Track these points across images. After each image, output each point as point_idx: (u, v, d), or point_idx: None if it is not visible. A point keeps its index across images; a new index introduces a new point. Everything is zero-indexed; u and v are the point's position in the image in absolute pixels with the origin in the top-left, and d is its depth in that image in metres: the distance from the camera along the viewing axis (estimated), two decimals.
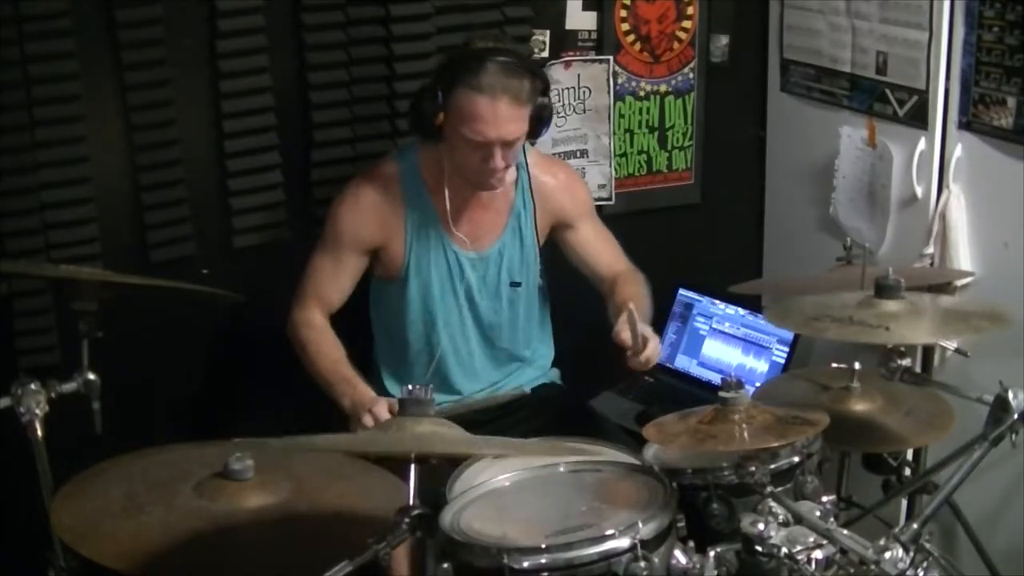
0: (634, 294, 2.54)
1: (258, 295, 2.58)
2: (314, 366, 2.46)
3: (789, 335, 2.90)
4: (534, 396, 2.70)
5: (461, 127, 2.34)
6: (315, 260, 2.54)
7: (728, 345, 3.04)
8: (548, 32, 2.99)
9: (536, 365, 2.77)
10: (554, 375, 2.81)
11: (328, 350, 2.48)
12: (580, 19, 3.02)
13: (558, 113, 3.05)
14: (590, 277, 2.70)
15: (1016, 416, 1.92)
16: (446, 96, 2.34)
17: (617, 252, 2.72)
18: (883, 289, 2.07)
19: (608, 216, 3.14)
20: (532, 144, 2.60)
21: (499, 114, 2.31)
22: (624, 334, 2.35)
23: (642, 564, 1.74)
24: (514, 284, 2.62)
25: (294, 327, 2.53)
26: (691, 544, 1.87)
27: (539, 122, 2.42)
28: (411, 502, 1.71)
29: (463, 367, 2.64)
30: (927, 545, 1.86)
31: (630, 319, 2.34)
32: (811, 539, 1.81)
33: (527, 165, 2.58)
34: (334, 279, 2.53)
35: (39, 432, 1.96)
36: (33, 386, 1.96)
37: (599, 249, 2.71)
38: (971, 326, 2.10)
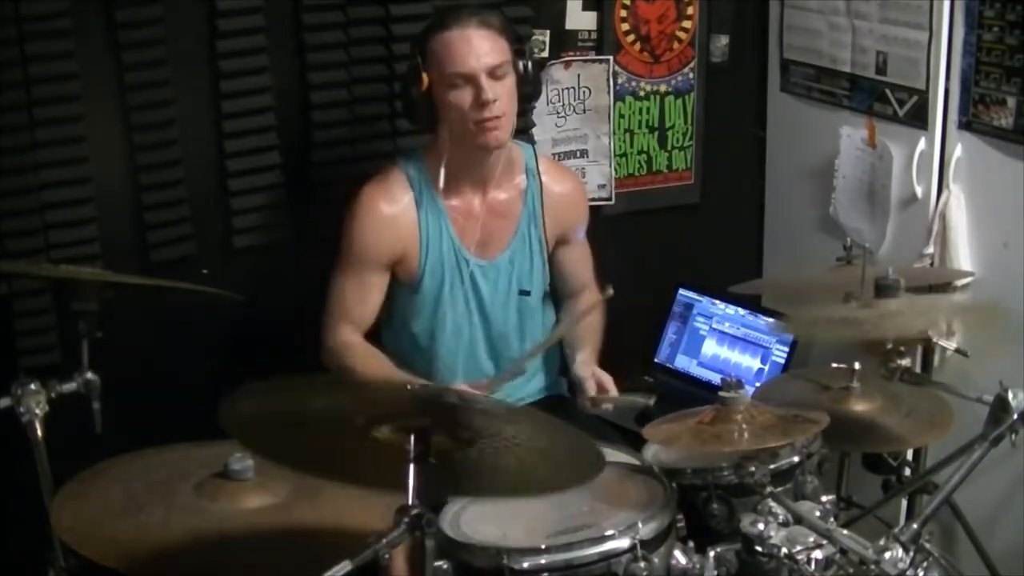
0: (593, 331, 2.61)
1: (258, 295, 2.57)
2: None
3: (789, 335, 2.89)
4: (539, 405, 2.68)
5: (444, 70, 2.36)
6: (339, 284, 2.49)
7: (728, 345, 3.04)
8: (548, 32, 2.98)
9: (544, 374, 2.73)
10: (562, 385, 2.76)
11: (378, 368, 2.44)
12: (580, 19, 3.02)
13: (558, 113, 3.05)
14: (557, 284, 2.70)
15: (1016, 416, 1.93)
16: (424, 59, 2.38)
17: (591, 271, 2.73)
18: (883, 289, 2.07)
19: (608, 216, 3.15)
20: (534, 145, 2.60)
21: (472, 41, 2.35)
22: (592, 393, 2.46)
23: (642, 564, 1.75)
24: (523, 292, 2.58)
25: (334, 356, 2.48)
26: (691, 544, 1.88)
27: (525, 75, 2.43)
28: (411, 502, 1.71)
29: (469, 376, 2.57)
30: (927, 545, 1.86)
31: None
32: (811, 539, 1.82)
33: (538, 173, 2.57)
34: (363, 300, 2.49)
35: (39, 432, 1.96)
36: (33, 386, 1.96)
37: (580, 268, 2.72)
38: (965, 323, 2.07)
